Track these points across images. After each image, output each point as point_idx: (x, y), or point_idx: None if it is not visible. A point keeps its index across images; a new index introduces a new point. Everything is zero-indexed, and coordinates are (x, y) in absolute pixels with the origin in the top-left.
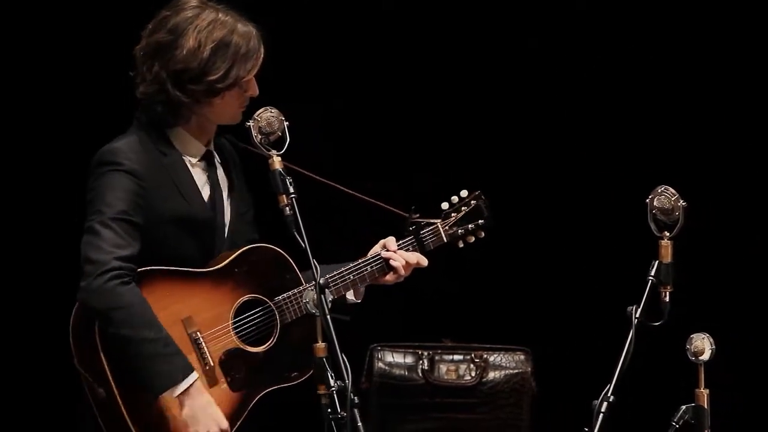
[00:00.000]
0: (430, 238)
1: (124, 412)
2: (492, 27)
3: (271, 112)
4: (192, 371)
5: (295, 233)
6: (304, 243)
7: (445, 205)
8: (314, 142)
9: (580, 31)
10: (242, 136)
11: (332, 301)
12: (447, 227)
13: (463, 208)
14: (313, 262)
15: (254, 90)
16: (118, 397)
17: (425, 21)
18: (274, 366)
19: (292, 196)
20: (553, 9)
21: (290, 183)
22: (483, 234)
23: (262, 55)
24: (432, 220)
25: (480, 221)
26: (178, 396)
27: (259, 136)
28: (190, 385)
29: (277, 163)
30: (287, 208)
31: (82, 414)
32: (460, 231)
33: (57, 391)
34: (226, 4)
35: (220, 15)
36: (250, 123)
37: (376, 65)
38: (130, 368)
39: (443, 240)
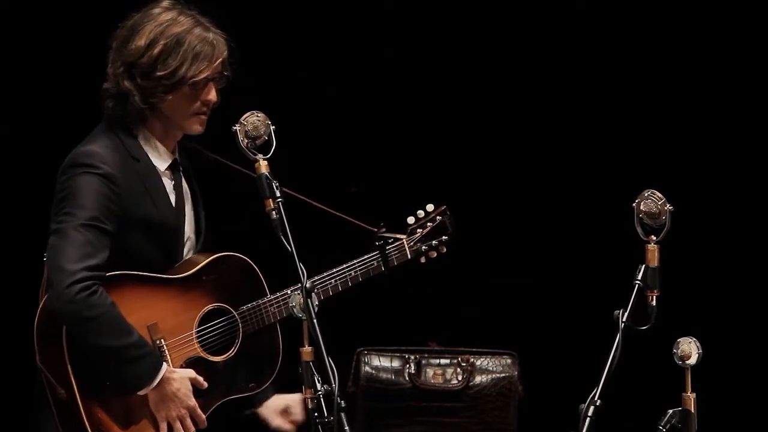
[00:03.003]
0: (395, 255)
1: (82, 413)
2: (473, 32)
3: (257, 116)
4: (161, 365)
5: (282, 237)
6: (291, 247)
7: (410, 220)
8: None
9: (560, 35)
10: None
11: None
12: (412, 243)
13: (428, 223)
14: (300, 265)
15: (210, 96)
16: (78, 399)
17: (409, 25)
18: (233, 376)
19: (279, 199)
20: (531, 15)
21: (276, 187)
22: (445, 250)
23: (219, 62)
24: (398, 236)
25: (443, 237)
26: (151, 390)
27: (246, 140)
28: (162, 378)
29: (263, 167)
30: (273, 212)
31: (40, 415)
32: (423, 247)
33: (14, 390)
34: (203, 8)
35: (181, 16)
36: (236, 127)
37: (358, 68)
38: (104, 372)
39: (407, 257)
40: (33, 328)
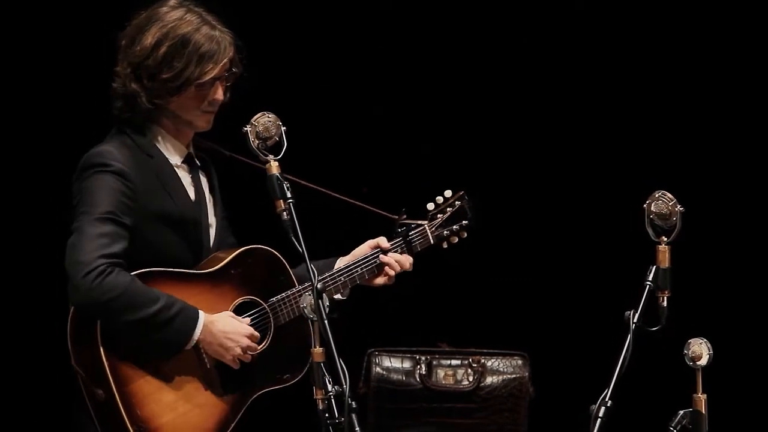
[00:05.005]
0: (418, 240)
1: (121, 411)
2: (487, 27)
3: (268, 116)
4: (197, 312)
5: (293, 238)
6: (302, 248)
7: (430, 206)
8: (303, 146)
9: (574, 32)
10: (239, 141)
11: None
12: (433, 229)
13: (448, 209)
14: (311, 266)
15: (216, 95)
16: (117, 397)
17: (416, 21)
18: (268, 368)
19: (290, 200)
20: (549, 10)
21: (287, 188)
22: (465, 235)
23: (225, 61)
24: (420, 222)
25: (463, 222)
26: (197, 342)
27: (257, 141)
28: (202, 326)
29: (274, 167)
30: (284, 213)
31: (79, 417)
32: (445, 232)
33: (54, 393)
34: (210, 6)
35: (188, 15)
36: (248, 128)
37: (365, 66)
38: (147, 345)
39: (430, 242)
40: (66, 331)
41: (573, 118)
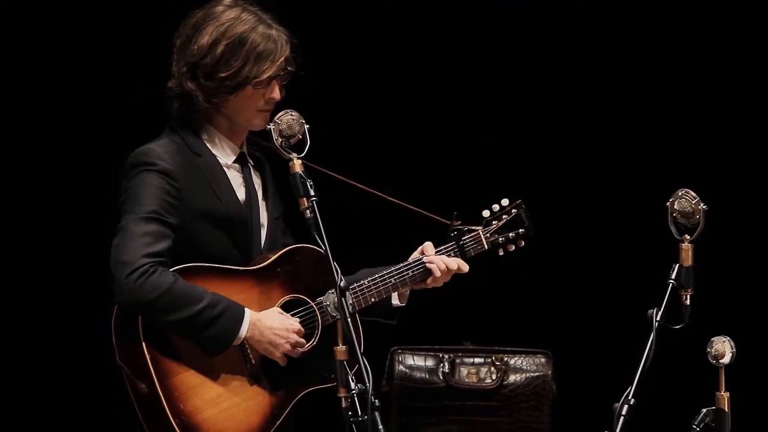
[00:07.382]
0: (471, 245)
1: (164, 402)
2: (511, 34)
3: (291, 114)
4: (243, 311)
5: (316, 236)
6: (325, 245)
7: (486, 213)
8: (353, 150)
9: (599, 34)
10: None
11: (377, 305)
12: (488, 234)
13: (504, 216)
14: (334, 264)
15: (273, 93)
16: (158, 387)
17: (453, 24)
18: (315, 366)
19: (313, 198)
20: (577, 11)
21: (311, 186)
22: (523, 243)
23: (282, 60)
24: (473, 227)
25: (521, 230)
26: (244, 339)
27: (280, 139)
28: (249, 324)
29: (297, 165)
30: (308, 211)
31: (124, 413)
32: (500, 239)
33: (99, 390)
34: (263, 7)
35: (244, 14)
36: (271, 126)
37: (408, 72)
38: (194, 341)
39: (484, 247)
40: (111, 329)
41: (597, 116)
